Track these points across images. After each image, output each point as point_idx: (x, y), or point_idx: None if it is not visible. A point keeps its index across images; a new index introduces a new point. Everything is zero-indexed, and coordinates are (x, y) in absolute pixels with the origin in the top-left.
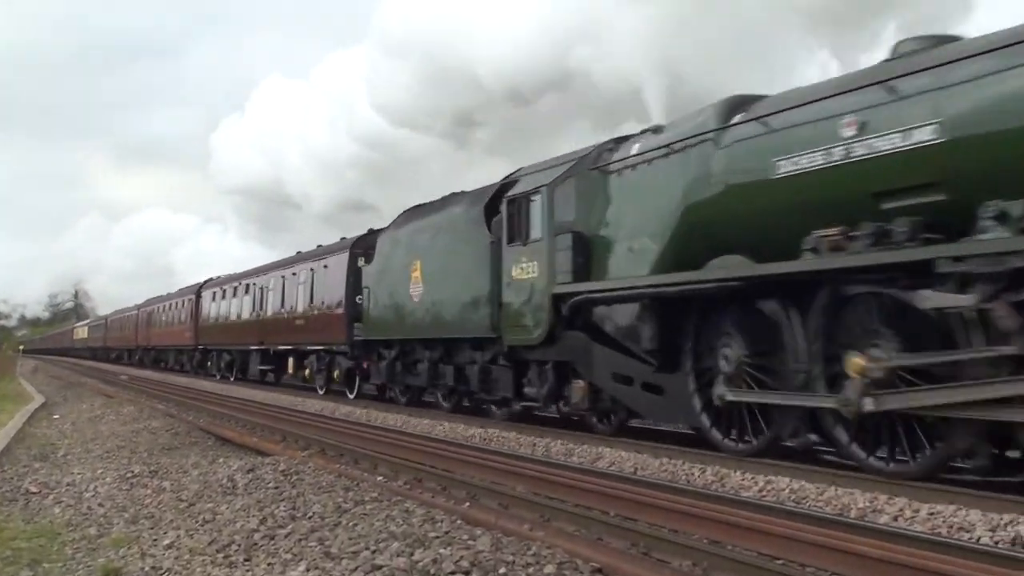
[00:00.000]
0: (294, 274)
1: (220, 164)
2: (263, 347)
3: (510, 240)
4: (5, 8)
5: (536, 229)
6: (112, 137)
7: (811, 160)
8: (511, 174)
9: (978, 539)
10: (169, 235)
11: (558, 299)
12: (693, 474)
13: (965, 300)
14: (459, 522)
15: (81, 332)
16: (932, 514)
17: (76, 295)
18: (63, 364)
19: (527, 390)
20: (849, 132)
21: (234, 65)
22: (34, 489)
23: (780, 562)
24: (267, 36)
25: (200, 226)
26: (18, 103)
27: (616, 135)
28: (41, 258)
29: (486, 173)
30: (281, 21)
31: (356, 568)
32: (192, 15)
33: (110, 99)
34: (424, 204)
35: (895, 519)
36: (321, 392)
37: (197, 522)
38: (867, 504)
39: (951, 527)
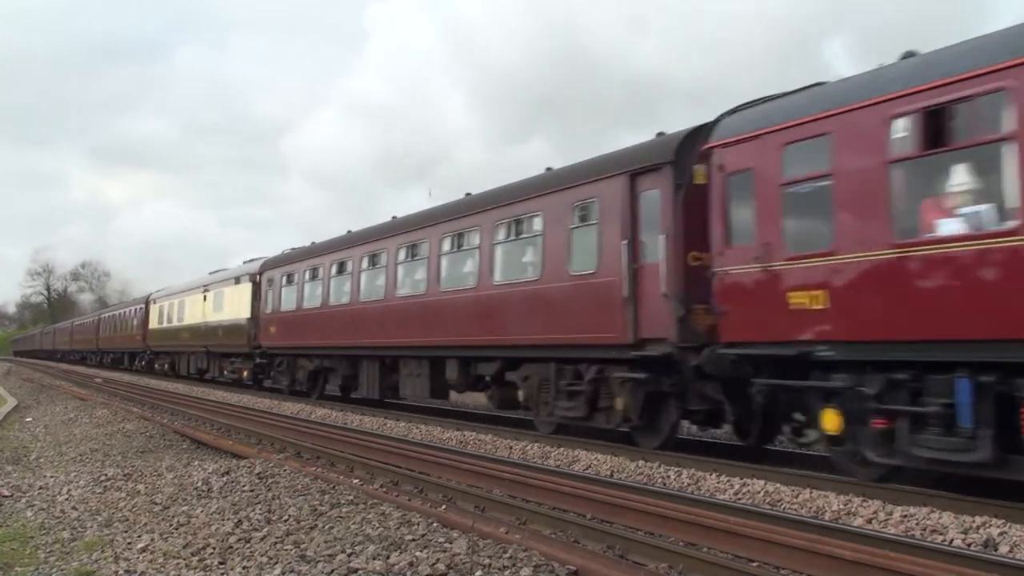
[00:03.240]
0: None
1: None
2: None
3: None
4: None
5: None
6: (92, 138)
7: None
8: None
9: (950, 541)
10: (171, 231)
11: None
12: (669, 477)
13: None
14: (436, 525)
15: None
16: (906, 516)
17: (48, 292)
18: (37, 367)
19: None
20: None
21: (216, 68)
22: (6, 492)
23: (755, 564)
24: (250, 38)
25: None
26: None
27: None
28: (21, 258)
29: None
30: (263, 23)
31: (332, 571)
32: (172, 17)
33: (90, 100)
34: None
35: (869, 521)
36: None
37: (171, 525)
38: (841, 507)
39: (924, 529)
